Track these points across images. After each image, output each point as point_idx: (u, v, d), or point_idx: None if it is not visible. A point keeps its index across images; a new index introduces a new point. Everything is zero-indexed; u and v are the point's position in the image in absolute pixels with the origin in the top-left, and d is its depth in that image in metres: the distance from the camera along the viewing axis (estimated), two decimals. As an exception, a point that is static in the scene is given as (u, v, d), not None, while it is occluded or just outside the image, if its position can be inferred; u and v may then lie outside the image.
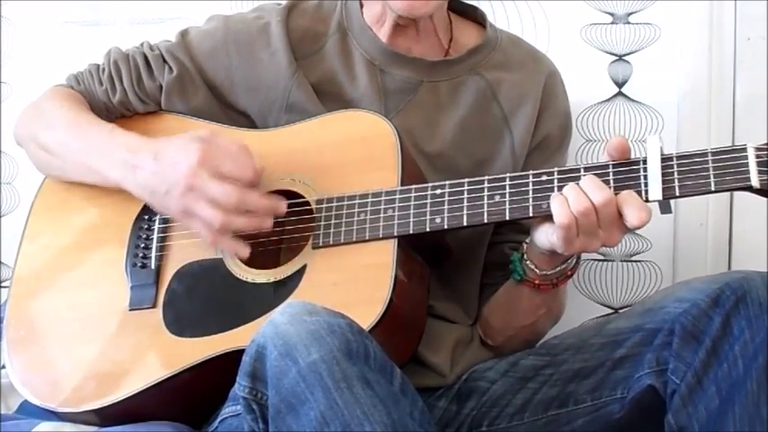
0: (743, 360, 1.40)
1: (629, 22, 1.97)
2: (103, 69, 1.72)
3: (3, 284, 2.09)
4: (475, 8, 1.77)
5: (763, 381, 1.39)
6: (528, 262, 1.56)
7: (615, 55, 1.98)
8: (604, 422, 1.53)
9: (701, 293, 1.44)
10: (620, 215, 1.43)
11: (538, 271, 1.56)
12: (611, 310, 1.99)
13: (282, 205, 1.53)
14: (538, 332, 1.68)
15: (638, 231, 1.95)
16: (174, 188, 1.52)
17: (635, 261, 1.98)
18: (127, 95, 1.70)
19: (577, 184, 1.45)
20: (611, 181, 1.45)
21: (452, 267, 1.66)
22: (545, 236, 1.49)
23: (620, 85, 1.98)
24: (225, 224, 1.50)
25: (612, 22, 1.98)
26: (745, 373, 1.39)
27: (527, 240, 1.56)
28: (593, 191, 1.43)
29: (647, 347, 1.49)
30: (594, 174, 1.46)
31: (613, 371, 1.52)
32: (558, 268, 1.56)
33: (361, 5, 1.72)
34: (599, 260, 1.99)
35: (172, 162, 1.53)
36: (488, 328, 1.69)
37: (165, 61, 1.70)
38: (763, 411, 1.38)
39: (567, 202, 1.44)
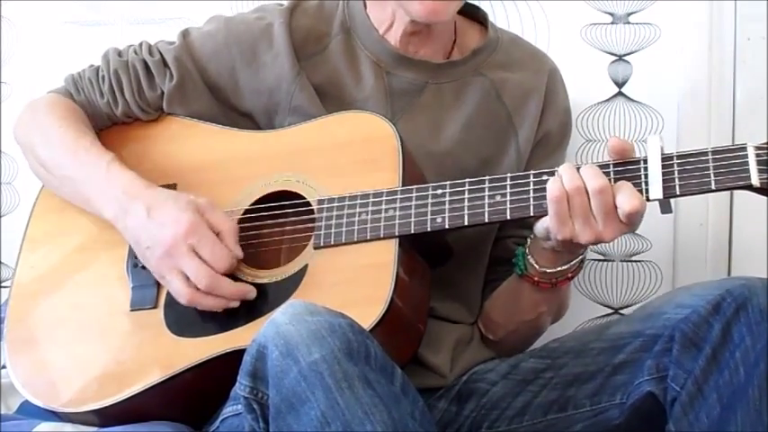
0: (744, 367, 1.39)
1: (629, 22, 1.97)
2: (103, 77, 1.71)
3: (3, 284, 2.09)
4: (477, 8, 1.77)
5: (764, 388, 1.38)
6: (530, 257, 1.57)
7: (615, 55, 1.98)
8: (603, 428, 1.52)
9: (702, 300, 1.44)
10: (616, 206, 1.43)
11: (538, 267, 1.56)
12: (611, 310, 1.99)
13: (252, 292, 1.53)
14: (538, 329, 1.69)
15: (638, 231, 1.95)
16: (155, 248, 1.53)
17: (635, 261, 1.98)
18: (129, 107, 1.70)
19: (576, 168, 1.45)
20: (612, 180, 1.45)
21: (456, 267, 1.66)
22: (541, 222, 1.49)
23: (620, 85, 1.98)
24: (192, 302, 1.52)
25: (612, 22, 1.98)
26: (747, 381, 1.39)
27: (531, 236, 1.56)
28: (589, 178, 1.44)
29: (646, 353, 1.49)
30: None
31: (613, 376, 1.52)
32: (559, 268, 1.56)
33: (365, 6, 1.71)
34: (599, 260, 1.99)
35: (160, 223, 1.53)
36: (489, 323, 1.70)
37: (165, 65, 1.70)
38: (766, 418, 1.38)
39: (560, 179, 1.44)
